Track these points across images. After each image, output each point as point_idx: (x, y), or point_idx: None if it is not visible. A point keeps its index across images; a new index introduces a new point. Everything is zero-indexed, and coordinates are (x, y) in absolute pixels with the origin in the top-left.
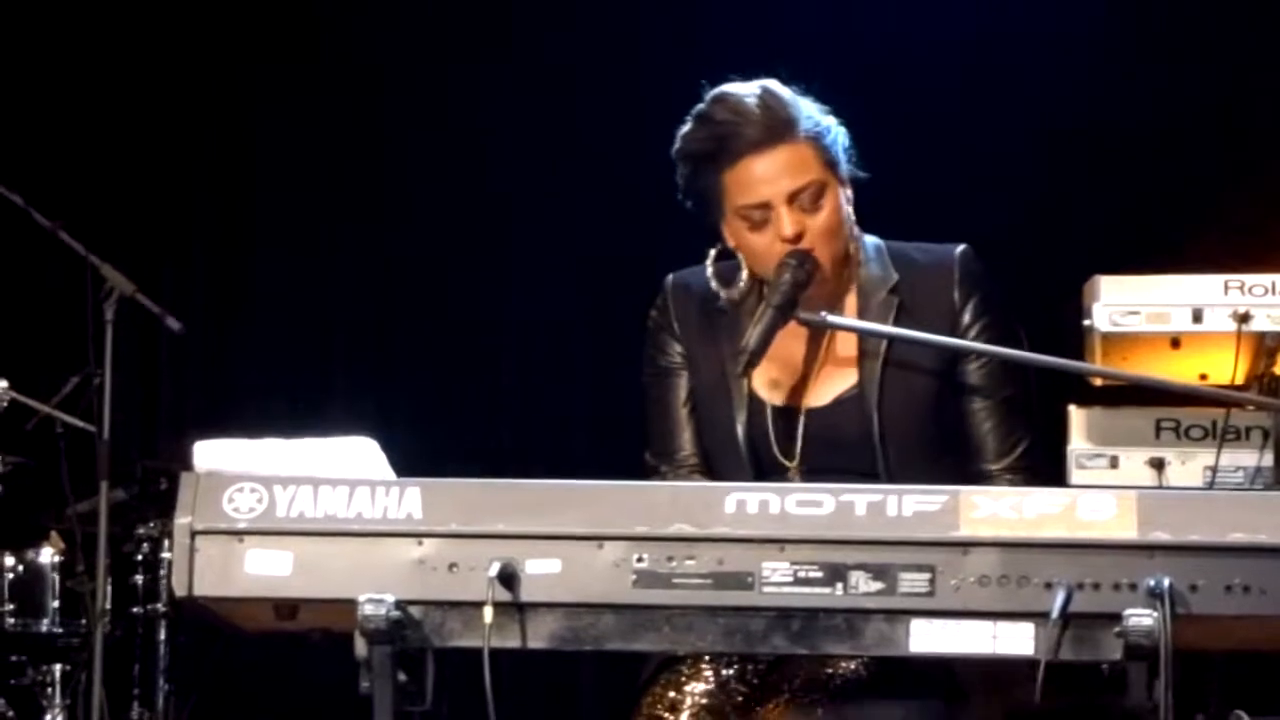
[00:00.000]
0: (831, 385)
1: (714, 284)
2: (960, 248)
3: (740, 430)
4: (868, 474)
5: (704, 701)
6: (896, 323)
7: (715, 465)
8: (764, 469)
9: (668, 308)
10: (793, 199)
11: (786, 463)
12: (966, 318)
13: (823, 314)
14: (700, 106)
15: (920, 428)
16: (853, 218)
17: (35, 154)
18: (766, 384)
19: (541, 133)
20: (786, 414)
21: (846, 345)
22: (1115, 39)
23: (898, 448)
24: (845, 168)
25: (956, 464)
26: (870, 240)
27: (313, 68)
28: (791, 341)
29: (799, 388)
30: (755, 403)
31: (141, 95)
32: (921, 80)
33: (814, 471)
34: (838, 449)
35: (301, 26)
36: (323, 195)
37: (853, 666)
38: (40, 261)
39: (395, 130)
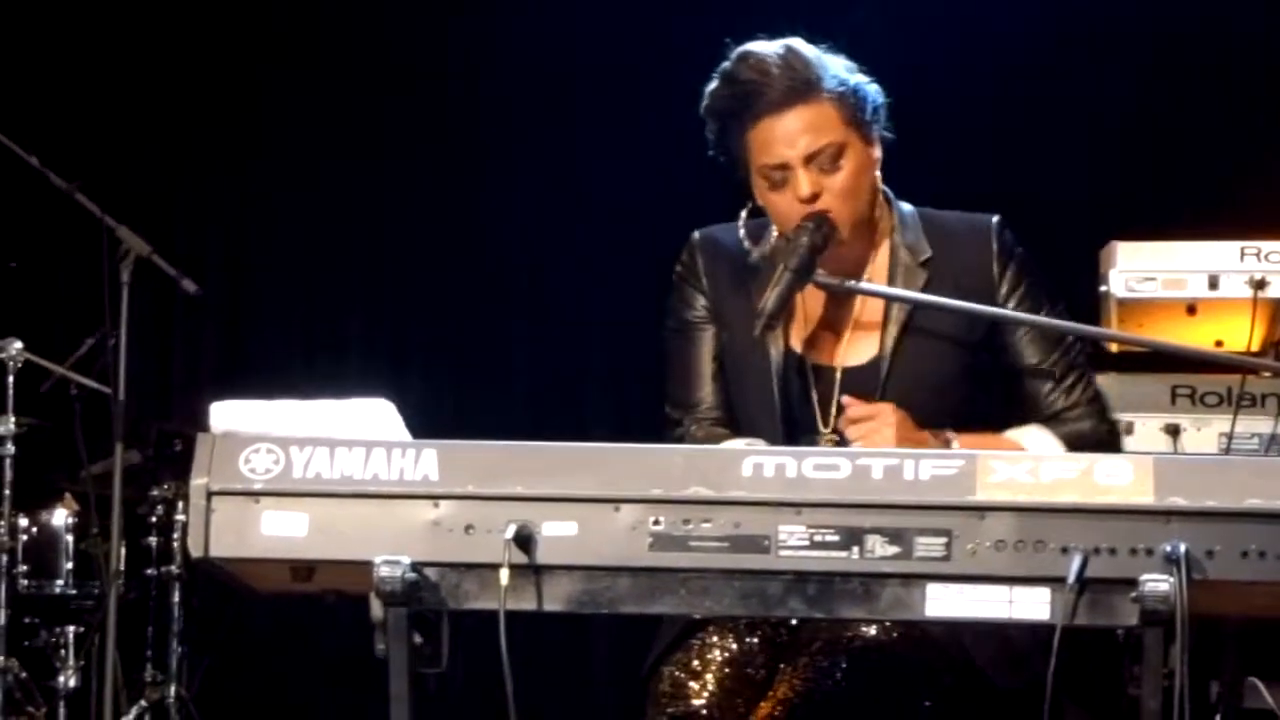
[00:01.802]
0: (866, 346)
1: (746, 242)
2: (995, 218)
3: (776, 387)
4: None
5: (727, 670)
6: (925, 291)
7: (744, 422)
8: (796, 429)
9: (695, 261)
10: (810, 159)
11: (821, 426)
12: (1005, 287)
13: (842, 279)
14: (725, 64)
15: (933, 397)
16: (877, 178)
17: (51, 116)
18: (804, 342)
19: (556, 100)
20: (823, 372)
21: (875, 309)
22: (1135, 6)
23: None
24: (874, 127)
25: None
26: (906, 208)
27: (324, 26)
28: (827, 301)
29: (835, 348)
30: (792, 359)
31: (155, 57)
32: (936, 50)
33: (842, 434)
34: None
35: None
36: (338, 156)
37: (873, 632)
38: (56, 223)
39: (410, 92)
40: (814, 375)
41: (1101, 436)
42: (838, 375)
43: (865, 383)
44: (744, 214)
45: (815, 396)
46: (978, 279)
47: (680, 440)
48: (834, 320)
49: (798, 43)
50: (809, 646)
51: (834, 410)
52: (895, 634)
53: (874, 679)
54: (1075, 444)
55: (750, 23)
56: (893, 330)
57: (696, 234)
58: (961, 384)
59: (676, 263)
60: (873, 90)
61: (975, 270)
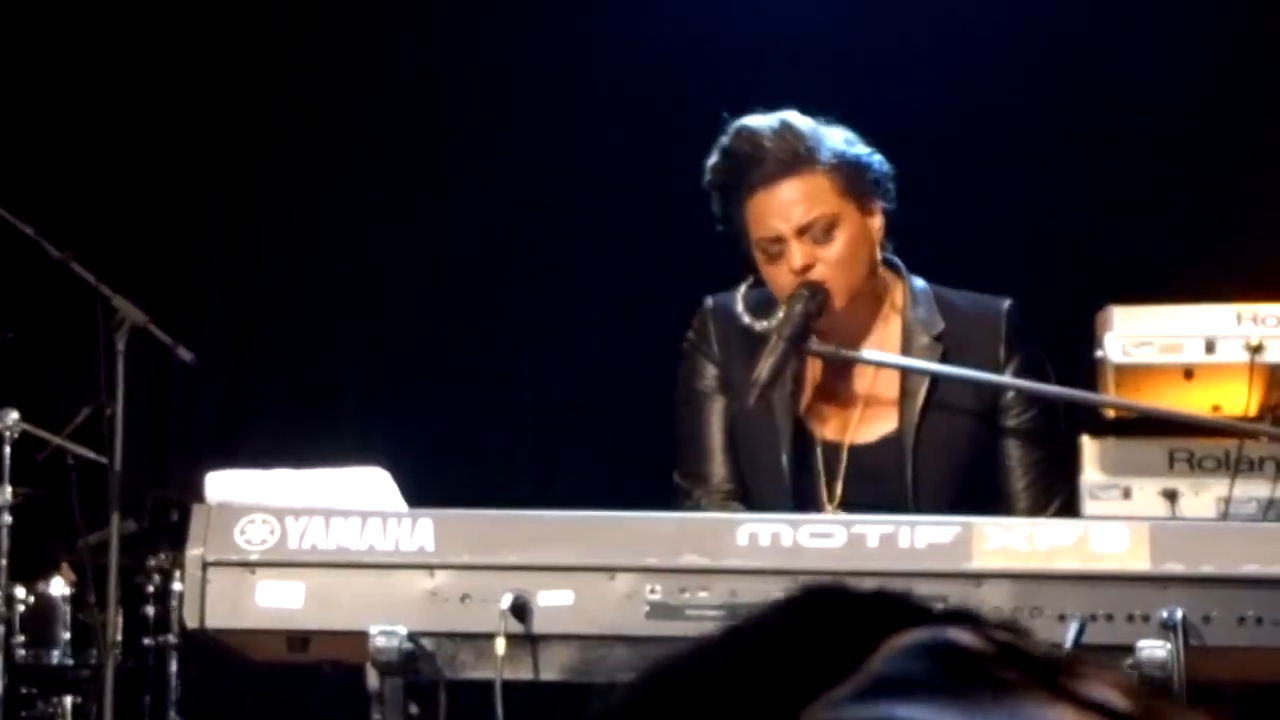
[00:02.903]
0: (878, 424)
1: (745, 316)
2: (1008, 302)
3: (785, 461)
4: (900, 514)
5: None
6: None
7: (754, 494)
8: (804, 503)
9: (706, 330)
10: (804, 231)
11: (825, 501)
12: (1009, 373)
13: (837, 348)
14: (722, 138)
15: (954, 472)
16: (878, 248)
17: (46, 184)
18: (813, 417)
19: (561, 158)
20: (831, 449)
21: (890, 384)
22: (1127, 68)
23: (929, 490)
24: (874, 199)
25: (990, 512)
26: (919, 283)
27: (324, 92)
28: (835, 375)
29: (845, 423)
30: (801, 434)
31: (152, 126)
32: (931, 110)
33: (850, 510)
34: (876, 487)
35: (310, 57)
36: (333, 225)
37: None
38: (52, 292)
39: (407, 160)
40: (822, 451)
41: None
42: (844, 453)
43: (879, 459)
44: (744, 286)
45: (822, 472)
46: (984, 361)
47: (691, 511)
48: (843, 395)
49: (793, 115)
50: None
51: (840, 487)
52: None
53: None
54: None
55: (751, 79)
56: (914, 403)
57: (709, 301)
58: (983, 461)
59: (688, 330)
60: (874, 160)
61: (983, 351)
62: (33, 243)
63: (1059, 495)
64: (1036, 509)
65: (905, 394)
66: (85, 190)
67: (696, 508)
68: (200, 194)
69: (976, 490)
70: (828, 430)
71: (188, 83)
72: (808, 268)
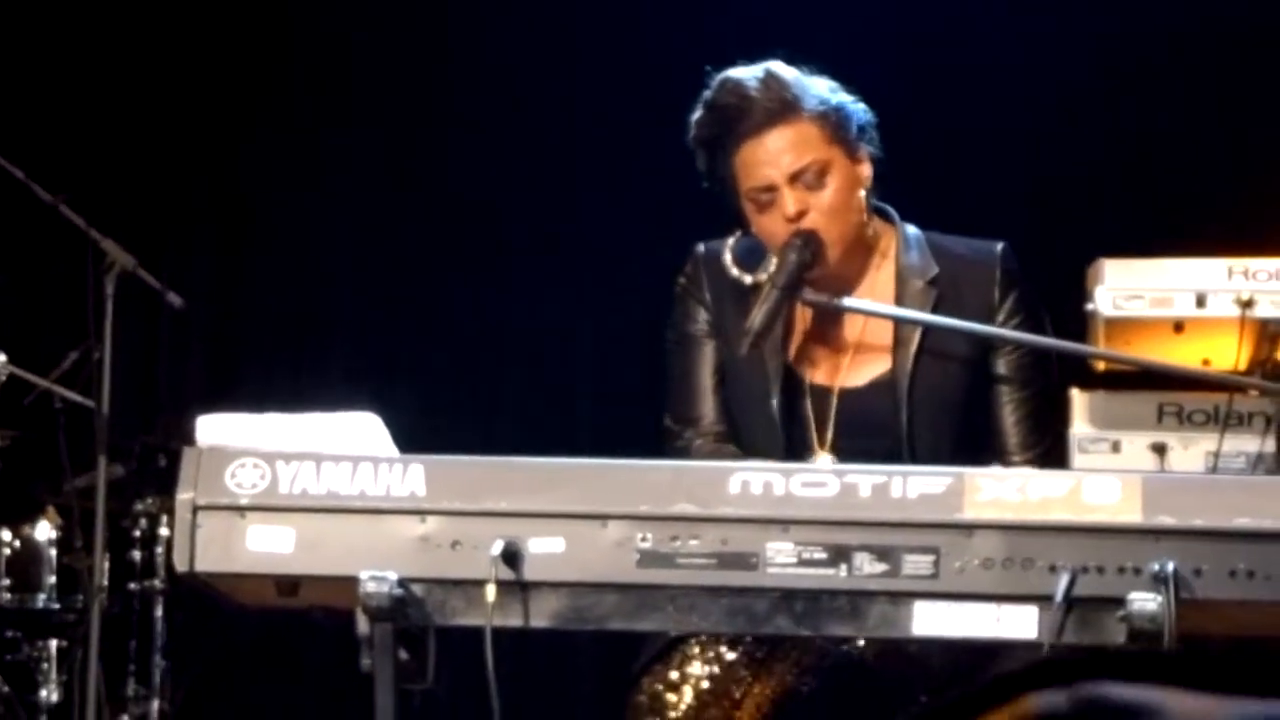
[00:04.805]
0: (868, 368)
1: (733, 270)
2: (1001, 245)
3: (775, 405)
4: (894, 460)
5: (706, 684)
6: (935, 312)
7: (745, 439)
8: (794, 447)
9: (698, 275)
10: (795, 178)
11: (816, 445)
12: (1002, 315)
13: (830, 296)
14: (706, 92)
15: (949, 418)
16: (866, 195)
17: (37, 128)
18: (803, 361)
19: (549, 111)
20: (821, 393)
21: (882, 330)
22: (1121, 22)
23: (925, 436)
24: (861, 145)
25: (983, 457)
26: (911, 230)
27: (316, 43)
28: (825, 321)
29: (835, 368)
30: (791, 378)
31: (142, 69)
32: (926, 62)
33: (841, 454)
34: (867, 432)
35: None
36: (325, 170)
37: (850, 650)
38: (41, 236)
39: (399, 106)
40: (810, 395)
41: None
42: (834, 396)
43: (870, 403)
44: (732, 240)
45: (811, 416)
46: (978, 304)
47: (682, 453)
48: (834, 341)
49: (777, 65)
50: (783, 663)
51: (830, 431)
52: (871, 653)
53: (844, 698)
54: None
55: (740, 36)
56: (907, 350)
57: (700, 247)
58: (976, 405)
59: (679, 275)
60: (858, 109)
61: (977, 295)
62: (23, 186)
63: (1049, 432)
64: (1026, 445)
65: (899, 341)
66: (76, 134)
67: (687, 449)
68: (191, 140)
69: (972, 433)
70: (818, 375)
71: (180, 28)
72: (801, 214)
